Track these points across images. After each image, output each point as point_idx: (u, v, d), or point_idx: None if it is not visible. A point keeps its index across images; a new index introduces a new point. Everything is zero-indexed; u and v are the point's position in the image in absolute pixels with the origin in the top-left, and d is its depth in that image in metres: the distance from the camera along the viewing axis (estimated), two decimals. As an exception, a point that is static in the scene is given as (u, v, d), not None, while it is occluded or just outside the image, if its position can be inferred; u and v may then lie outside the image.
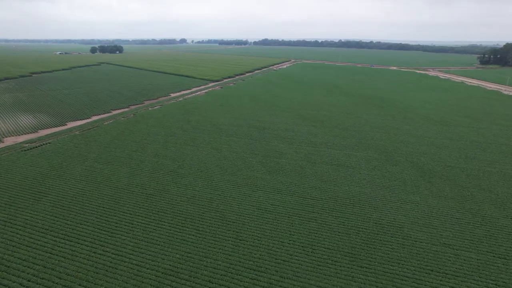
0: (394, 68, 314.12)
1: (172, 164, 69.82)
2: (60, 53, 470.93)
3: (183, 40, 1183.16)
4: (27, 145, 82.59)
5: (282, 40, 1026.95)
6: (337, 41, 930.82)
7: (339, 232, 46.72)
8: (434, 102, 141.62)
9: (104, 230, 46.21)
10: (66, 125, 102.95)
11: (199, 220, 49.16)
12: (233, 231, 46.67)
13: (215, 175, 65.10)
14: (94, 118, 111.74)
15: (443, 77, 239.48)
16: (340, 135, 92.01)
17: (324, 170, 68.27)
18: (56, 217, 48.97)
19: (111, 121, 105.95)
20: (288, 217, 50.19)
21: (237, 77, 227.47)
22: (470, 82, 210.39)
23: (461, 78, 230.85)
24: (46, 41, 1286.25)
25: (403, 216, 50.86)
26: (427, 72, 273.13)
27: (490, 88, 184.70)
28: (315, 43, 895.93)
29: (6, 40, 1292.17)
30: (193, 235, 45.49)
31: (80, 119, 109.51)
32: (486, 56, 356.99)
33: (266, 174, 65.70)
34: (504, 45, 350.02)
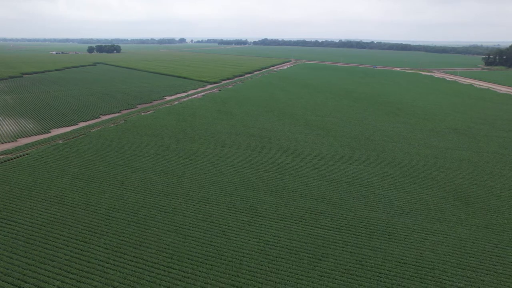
0: (398, 69, 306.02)
1: (162, 182, 61.63)
2: (56, 53, 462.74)
3: (182, 40, 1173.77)
4: (2, 156, 74.38)
5: (282, 40, 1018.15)
6: (337, 41, 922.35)
7: (356, 276, 38.59)
8: (445, 107, 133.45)
9: (72, 273, 38.00)
10: (50, 132, 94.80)
11: (188, 258, 40.99)
12: (230, 274, 38.50)
13: (209, 195, 56.93)
14: (82, 124, 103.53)
15: (450, 79, 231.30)
16: (348, 146, 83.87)
17: (334, 189, 60.14)
18: (15, 254, 40.76)
19: (99, 128, 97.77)
20: (295, 254, 42.03)
21: (236, 78, 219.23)
22: (479, 85, 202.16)
23: (468, 80, 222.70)
24: (45, 40, 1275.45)
25: (431, 252, 42.71)
26: (432, 74, 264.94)
27: (501, 91, 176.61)
28: (315, 43, 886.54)
29: (4, 39, 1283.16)
30: (180, 280, 37.32)
31: (66, 126, 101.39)
32: (492, 57, 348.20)
33: (267, 195, 57.55)
34: (511, 46, 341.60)
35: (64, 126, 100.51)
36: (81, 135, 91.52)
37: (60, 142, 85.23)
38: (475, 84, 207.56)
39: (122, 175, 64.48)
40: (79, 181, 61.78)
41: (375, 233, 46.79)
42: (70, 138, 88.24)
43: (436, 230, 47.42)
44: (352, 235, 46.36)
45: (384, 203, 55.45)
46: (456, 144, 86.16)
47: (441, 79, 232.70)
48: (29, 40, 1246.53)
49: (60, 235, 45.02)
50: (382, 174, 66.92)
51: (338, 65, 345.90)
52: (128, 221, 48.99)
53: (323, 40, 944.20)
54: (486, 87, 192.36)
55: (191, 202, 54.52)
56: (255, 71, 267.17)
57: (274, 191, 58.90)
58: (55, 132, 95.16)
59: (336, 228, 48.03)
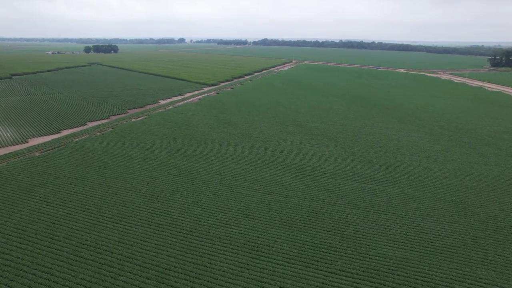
0: (402, 70, 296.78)
1: (146, 208, 52.33)
2: (52, 53, 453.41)
3: (181, 40, 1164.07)
4: (-34, 173, 65.01)
5: (282, 40, 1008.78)
6: (338, 41, 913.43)
7: None
8: (459, 112, 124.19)
9: None
10: (27, 142, 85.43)
11: (170, 323, 31.75)
12: None
13: (201, 226, 47.63)
14: (65, 132, 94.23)
15: (458, 81, 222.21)
16: (360, 159, 74.61)
17: (349, 217, 50.87)
18: None
19: (83, 137, 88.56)
20: (308, 317, 32.79)
21: (235, 80, 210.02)
22: (490, 88, 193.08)
23: (477, 83, 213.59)
24: (43, 40, 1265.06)
25: (481, 312, 33.48)
26: (438, 76, 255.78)
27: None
28: (316, 43, 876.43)
29: (3, 39, 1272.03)
30: None
31: (47, 134, 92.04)
32: (498, 58, 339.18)
33: (270, 225, 48.28)
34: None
35: (44, 135, 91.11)
36: (62, 145, 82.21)
37: (37, 154, 75.93)
38: (485, 86, 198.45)
39: (100, 198, 55.21)
40: (48, 205, 52.50)
41: (404, 282, 37.52)
42: (49, 150, 78.91)
43: (482, 278, 38.16)
44: (376, 285, 37.09)
45: (411, 236, 46.19)
46: (481, 157, 76.89)
47: (449, 81, 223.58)
48: (28, 40, 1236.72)
49: (9, 286, 35.72)
50: (402, 196, 57.68)
51: (340, 66, 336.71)
52: (100, 263, 39.72)
53: (324, 40, 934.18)
54: (497, 90, 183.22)
55: (178, 236, 45.23)
56: (255, 72, 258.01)
57: (278, 220, 49.65)
58: (34, 141, 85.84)
59: (356, 274, 38.77)
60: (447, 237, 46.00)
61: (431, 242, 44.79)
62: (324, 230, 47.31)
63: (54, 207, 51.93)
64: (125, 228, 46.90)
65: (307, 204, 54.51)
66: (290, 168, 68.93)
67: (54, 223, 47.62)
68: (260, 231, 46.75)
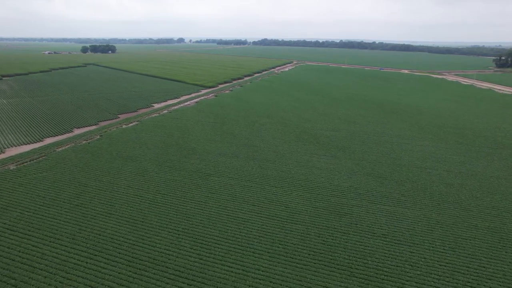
0: (406, 71, 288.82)
1: (127, 237, 44.35)
2: (48, 53, 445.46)
3: (180, 40, 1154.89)
4: None
5: (282, 40, 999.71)
6: (338, 41, 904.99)
7: None
8: (473, 117, 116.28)
9: None
10: (4, 152, 77.41)
11: None
12: None
13: (192, 265, 39.63)
14: (48, 140, 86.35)
15: (466, 83, 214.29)
16: (373, 174, 66.63)
17: (366, 250, 42.89)
18: None
19: (67, 146, 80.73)
20: None
21: (234, 81, 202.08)
22: (500, 90, 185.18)
23: (486, 84, 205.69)
24: (42, 39, 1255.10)
25: None
26: (444, 77, 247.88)
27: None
28: (316, 43, 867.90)
29: (1, 39, 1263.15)
30: None
31: (28, 143, 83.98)
32: (503, 58, 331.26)
33: (274, 262, 40.29)
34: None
35: (24, 144, 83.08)
36: (41, 156, 74.25)
37: (12, 167, 67.96)
38: (494, 88, 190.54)
39: (75, 224, 47.27)
40: (11, 235, 44.54)
41: None
42: (26, 162, 70.95)
43: None
44: None
45: (444, 278, 38.19)
46: (508, 170, 68.85)
47: (456, 83, 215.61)
48: (26, 40, 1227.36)
49: None
50: (426, 222, 49.72)
51: (343, 66, 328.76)
52: (62, 318, 31.75)
53: (324, 40, 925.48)
54: (508, 92, 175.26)
55: (163, 278, 37.24)
56: (255, 73, 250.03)
57: (283, 255, 41.67)
58: (11, 151, 77.83)
59: (383, 334, 30.81)
60: (490, 279, 38.06)
61: (470, 285, 36.84)
62: (338, 269, 39.35)
63: (17, 238, 43.94)
64: (100, 266, 38.95)
65: (316, 232, 46.54)
66: (295, 185, 60.95)
67: (13, 260, 39.67)
68: (262, 271, 38.80)
